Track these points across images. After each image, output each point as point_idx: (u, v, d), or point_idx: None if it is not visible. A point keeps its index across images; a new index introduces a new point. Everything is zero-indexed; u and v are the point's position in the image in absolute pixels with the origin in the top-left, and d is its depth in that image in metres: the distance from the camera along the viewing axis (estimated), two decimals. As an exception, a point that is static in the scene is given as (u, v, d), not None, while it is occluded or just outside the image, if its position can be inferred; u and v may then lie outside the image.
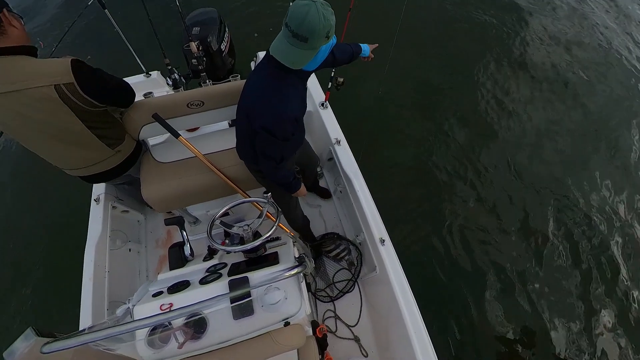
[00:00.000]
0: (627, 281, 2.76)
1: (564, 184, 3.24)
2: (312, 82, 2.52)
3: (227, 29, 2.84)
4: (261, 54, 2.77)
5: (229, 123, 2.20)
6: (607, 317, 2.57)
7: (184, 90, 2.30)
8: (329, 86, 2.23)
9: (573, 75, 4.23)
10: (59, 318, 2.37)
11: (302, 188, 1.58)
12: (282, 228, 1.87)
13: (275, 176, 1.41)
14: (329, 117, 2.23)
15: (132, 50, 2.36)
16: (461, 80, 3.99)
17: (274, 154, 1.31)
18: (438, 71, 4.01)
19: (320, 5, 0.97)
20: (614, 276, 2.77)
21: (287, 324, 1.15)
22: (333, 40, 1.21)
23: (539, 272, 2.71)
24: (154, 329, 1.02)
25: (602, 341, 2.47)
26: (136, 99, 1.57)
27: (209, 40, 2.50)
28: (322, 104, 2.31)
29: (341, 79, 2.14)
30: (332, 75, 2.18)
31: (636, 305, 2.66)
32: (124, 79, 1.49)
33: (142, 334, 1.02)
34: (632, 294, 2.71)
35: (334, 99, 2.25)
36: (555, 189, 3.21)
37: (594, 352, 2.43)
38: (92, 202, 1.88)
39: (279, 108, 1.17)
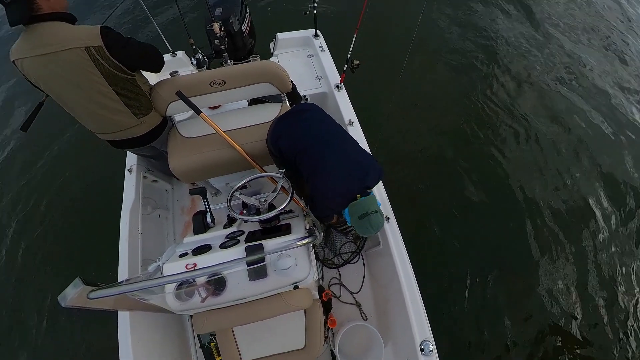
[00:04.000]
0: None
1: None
2: (328, 64, 2.45)
3: (247, 10, 2.75)
4: (280, 36, 2.69)
5: (248, 102, 2.20)
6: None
7: (207, 69, 2.29)
8: (345, 68, 2.17)
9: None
10: (96, 272, 2.51)
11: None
12: (296, 202, 1.91)
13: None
14: (343, 99, 2.19)
15: (159, 30, 2.35)
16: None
17: None
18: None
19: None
20: None
21: (296, 287, 1.22)
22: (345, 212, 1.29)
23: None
24: (180, 285, 1.10)
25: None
26: (163, 78, 1.59)
27: (230, 21, 2.43)
28: (337, 86, 2.25)
29: (357, 62, 2.08)
30: (349, 57, 2.11)
31: None
32: None
33: (170, 288, 1.10)
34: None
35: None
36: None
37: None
38: (126, 172, 1.96)
39: None
